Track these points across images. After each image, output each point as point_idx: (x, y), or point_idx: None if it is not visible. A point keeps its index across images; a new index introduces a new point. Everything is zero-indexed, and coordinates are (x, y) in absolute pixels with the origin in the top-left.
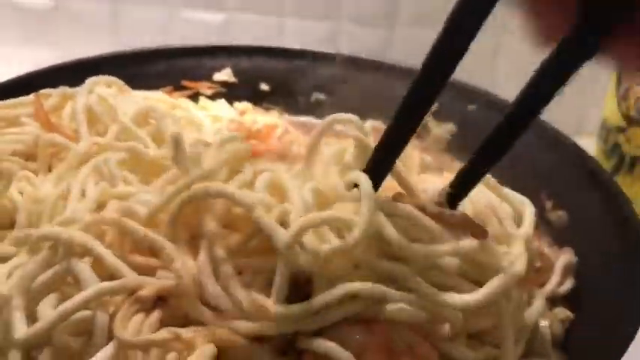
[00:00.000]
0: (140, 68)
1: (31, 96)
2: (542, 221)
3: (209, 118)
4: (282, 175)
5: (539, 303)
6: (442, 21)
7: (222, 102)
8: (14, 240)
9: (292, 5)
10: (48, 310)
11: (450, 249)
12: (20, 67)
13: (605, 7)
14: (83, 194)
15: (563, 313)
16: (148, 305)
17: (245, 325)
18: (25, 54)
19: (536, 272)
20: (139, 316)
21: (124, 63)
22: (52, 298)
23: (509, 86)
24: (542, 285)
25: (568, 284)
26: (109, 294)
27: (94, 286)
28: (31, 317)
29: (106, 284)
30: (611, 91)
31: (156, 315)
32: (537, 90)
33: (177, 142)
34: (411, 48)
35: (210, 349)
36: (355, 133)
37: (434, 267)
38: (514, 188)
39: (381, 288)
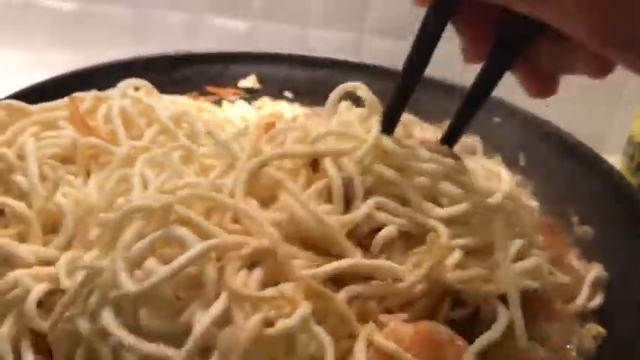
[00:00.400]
0: (166, 73)
1: (66, 99)
2: (569, 236)
3: (238, 118)
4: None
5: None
6: None
7: (241, 102)
8: (101, 220)
9: (317, 15)
10: (156, 268)
11: (428, 156)
12: (44, 71)
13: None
14: (145, 186)
15: (595, 329)
16: (248, 262)
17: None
18: (49, 57)
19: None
20: (244, 272)
21: (150, 67)
22: (151, 261)
23: (534, 100)
24: (572, 299)
25: (598, 299)
26: (216, 250)
27: (201, 243)
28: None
29: (213, 241)
30: (639, 109)
31: (259, 271)
32: (481, 87)
33: (212, 134)
34: (433, 59)
35: (308, 306)
36: (366, 94)
37: (422, 172)
38: (541, 203)
39: (392, 203)
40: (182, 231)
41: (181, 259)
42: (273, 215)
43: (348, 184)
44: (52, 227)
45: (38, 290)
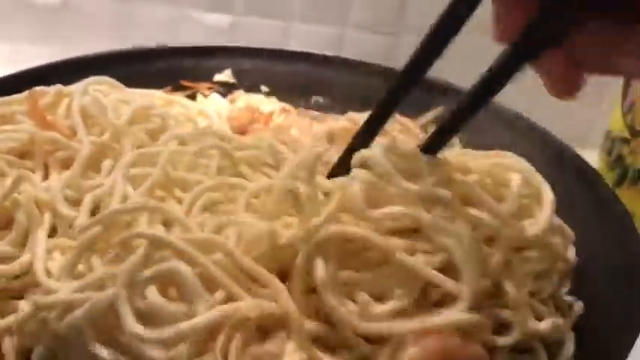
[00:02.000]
0: (141, 67)
1: (25, 93)
2: None
3: (211, 111)
4: None
5: None
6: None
7: (215, 95)
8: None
9: (299, 10)
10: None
11: None
12: (26, 64)
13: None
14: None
15: None
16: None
17: None
18: (31, 51)
19: None
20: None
21: (124, 61)
22: (153, 290)
23: (511, 94)
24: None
25: (567, 286)
26: (228, 319)
27: (214, 311)
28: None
29: (227, 308)
30: (617, 103)
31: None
32: (490, 81)
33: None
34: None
35: None
36: None
37: None
38: None
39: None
40: (184, 269)
41: (198, 322)
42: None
43: None
44: (6, 223)
45: None
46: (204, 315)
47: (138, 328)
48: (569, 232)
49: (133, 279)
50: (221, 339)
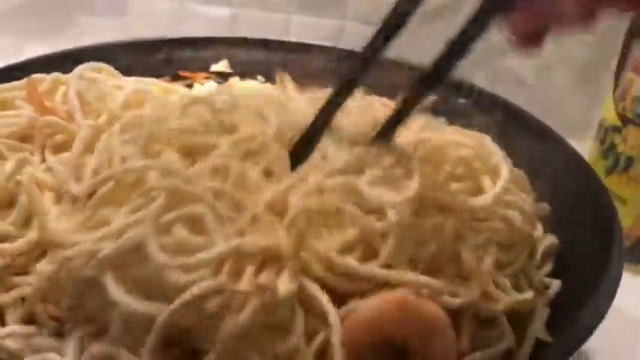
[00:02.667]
0: (138, 58)
1: (24, 80)
2: None
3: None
4: None
5: None
6: (443, 20)
7: (211, 83)
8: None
9: (299, 2)
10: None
11: None
12: (26, 57)
13: None
14: None
15: None
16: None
17: None
18: (32, 45)
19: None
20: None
21: (122, 53)
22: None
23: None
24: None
25: (548, 267)
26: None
27: (231, 241)
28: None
29: (239, 241)
30: (609, 91)
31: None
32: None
33: None
34: (414, 47)
35: None
36: None
37: None
38: None
39: None
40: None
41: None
42: None
43: None
44: (9, 203)
45: None
46: (223, 244)
47: (163, 258)
48: (530, 206)
49: (158, 221)
50: (226, 269)
